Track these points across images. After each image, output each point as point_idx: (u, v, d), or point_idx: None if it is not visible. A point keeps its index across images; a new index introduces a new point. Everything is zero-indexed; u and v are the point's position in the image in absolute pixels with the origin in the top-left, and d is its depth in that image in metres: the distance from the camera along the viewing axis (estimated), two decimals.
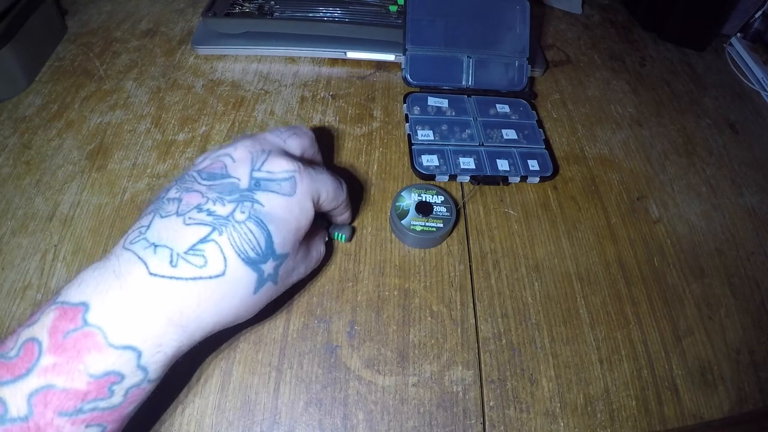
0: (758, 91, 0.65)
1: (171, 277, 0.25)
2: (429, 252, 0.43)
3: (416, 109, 0.54)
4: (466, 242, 0.44)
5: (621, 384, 0.38)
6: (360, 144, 0.51)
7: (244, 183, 0.28)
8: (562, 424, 0.35)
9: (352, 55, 0.59)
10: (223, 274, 0.26)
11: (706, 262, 0.46)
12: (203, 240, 0.26)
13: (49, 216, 0.43)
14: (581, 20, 0.74)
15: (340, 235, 0.42)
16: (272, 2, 0.61)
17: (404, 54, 0.55)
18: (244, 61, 0.59)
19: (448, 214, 0.43)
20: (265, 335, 0.37)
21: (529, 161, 0.50)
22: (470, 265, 0.43)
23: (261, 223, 0.27)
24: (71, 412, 0.22)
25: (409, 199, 0.44)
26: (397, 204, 0.43)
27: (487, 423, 0.35)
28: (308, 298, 0.40)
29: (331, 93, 0.56)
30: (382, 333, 0.38)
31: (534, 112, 0.56)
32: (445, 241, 0.44)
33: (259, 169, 0.28)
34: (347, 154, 0.50)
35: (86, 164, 0.47)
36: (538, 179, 0.49)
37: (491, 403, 0.36)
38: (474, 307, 0.40)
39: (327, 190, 0.31)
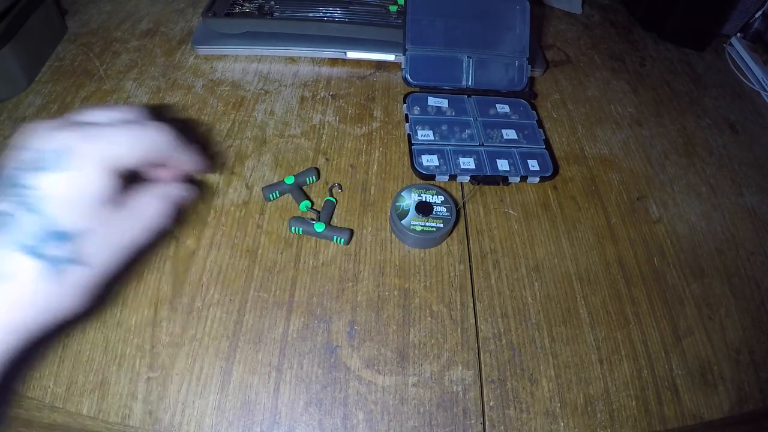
0: (758, 91, 0.65)
1: None
2: (429, 252, 0.43)
3: (416, 109, 0.54)
4: (466, 242, 0.44)
5: (621, 384, 0.38)
6: (360, 144, 0.51)
7: (10, 172, 0.25)
8: (562, 424, 0.35)
9: (352, 55, 0.59)
10: (6, 272, 0.23)
11: (706, 262, 0.46)
12: None
13: None
14: (581, 20, 0.74)
15: (338, 238, 0.42)
16: (272, 2, 0.61)
17: (404, 54, 0.55)
18: (244, 61, 0.59)
19: (448, 214, 0.43)
20: (265, 335, 0.38)
21: (529, 161, 0.50)
22: (470, 265, 0.43)
23: (30, 208, 0.24)
24: None
25: (409, 199, 0.44)
26: (397, 204, 0.43)
27: (487, 423, 0.35)
28: (308, 298, 0.40)
29: (331, 93, 0.56)
30: (382, 333, 0.38)
31: (534, 112, 0.56)
32: (445, 241, 0.44)
33: (23, 155, 0.25)
34: (347, 154, 0.50)
35: None
36: (538, 179, 0.49)
37: (491, 403, 0.36)
38: (474, 307, 0.40)
39: (124, 150, 0.27)
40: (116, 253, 0.28)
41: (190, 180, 0.35)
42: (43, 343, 0.33)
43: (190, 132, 0.50)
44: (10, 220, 0.24)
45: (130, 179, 0.29)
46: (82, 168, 0.25)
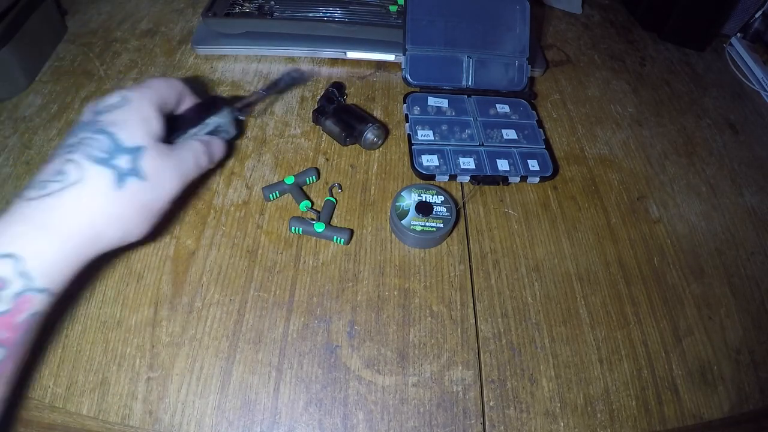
0: (758, 91, 0.65)
1: (41, 197, 0.29)
2: (429, 252, 0.43)
3: (416, 109, 0.54)
4: (466, 242, 0.44)
5: (621, 384, 0.38)
6: None
7: (88, 117, 0.33)
8: (562, 424, 0.35)
9: (352, 55, 0.59)
10: (81, 178, 0.30)
11: (706, 262, 0.46)
12: (63, 162, 0.30)
13: None
14: (581, 20, 0.74)
15: (338, 238, 0.42)
16: (272, 2, 0.61)
17: (404, 54, 0.55)
18: (244, 61, 0.59)
19: (448, 214, 0.43)
20: (265, 335, 0.38)
21: (529, 161, 0.50)
22: (470, 265, 0.43)
23: (103, 131, 0.31)
24: None
25: (409, 199, 0.44)
26: (397, 204, 0.43)
27: (487, 423, 0.35)
28: (308, 298, 0.40)
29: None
30: (382, 333, 0.38)
31: (534, 112, 0.56)
32: (445, 241, 0.44)
33: (98, 106, 0.33)
34: (347, 154, 0.50)
35: None
36: (538, 179, 0.49)
37: (491, 403, 0.36)
38: (474, 307, 0.40)
39: (162, 92, 0.36)
40: (170, 177, 0.34)
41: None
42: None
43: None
44: (87, 140, 0.31)
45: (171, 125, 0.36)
46: (135, 102, 0.33)
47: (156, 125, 0.34)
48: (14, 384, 0.29)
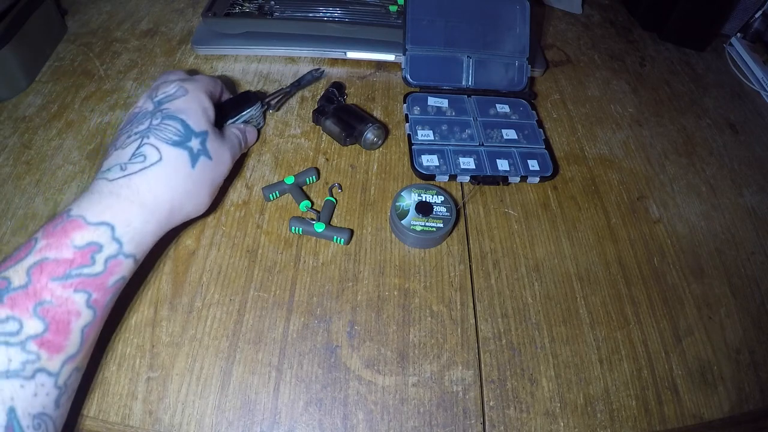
0: (758, 91, 0.65)
1: (124, 176, 0.33)
2: (429, 252, 0.43)
3: (416, 109, 0.54)
4: (466, 242, 0.44)
5: (621, 384, 0.38)
6: None
7: (150, 107, 0.37)
8: (562, 424, 0.35)
9: (352, 55, 0.59)
10: (161, 159, 0.34)
11: (706, 262, 0.46)
12: (139, 147, 0.34)
13: (49, 216, 0.43)
14: (581, 20, 0.74)
15: (338, 238, 0.42)
16: (272, 2, 0.61)
17: (404, 54, 0.55)
18: (244, 61, 0.59)
19: (448, 214, 0.43)
20: (265, 335, 0.38)
21: (529, 161, 0.50)
22: (470, 265, 0.43)
23: (173, 117, 0.36)
24: (61, 277, 0.28)
25: (409, 199, 0.44)
26: (397, 204, 0.43)
27: (487, 423, 0.35)
28: (308, 298, 0.40)
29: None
30: (382, 333, 0.38)
31: (534, 112, 0.56)
32: (445, 241, 0.44)
33: (156, 96, 0.38)
34: (347, 154, 0.50)
35: (86, 164, 0.47)
36: (538, 179, 0.49)
37: (491, 403, 0.36)
38: (474, 307, 0.40)
39: (210, 86, 0.42)
40: (227, 157, 0.40)
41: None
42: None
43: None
44: (160, 126, 0.35)
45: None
46: (193, 93, 0.38)
47: (212, 113, 0.39)
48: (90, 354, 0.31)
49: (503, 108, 0.55)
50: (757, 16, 0.70)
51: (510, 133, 0.52)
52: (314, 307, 0.39)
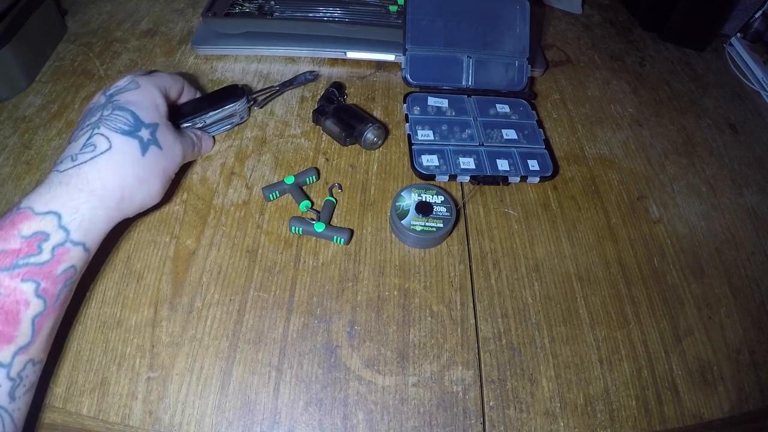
0: (758, 91, 0.65)
1: (74, 166, 0.33)
2: (429, 252, 0.43)
3: (416, 109, 0.54)
4: (466, 242, 0.44)
5: (621, 384, 0.38)
6: None
7: (102, 100, 0.38)
8: (562, 424, 0.35)
9: (352, 55, 0.59)
10: (110, 147, 0.34)
11: (706, 262, 0.46)
12: (90, 137, 0.35)
13: None
14: (581, 20, 0.74)
15: (338, 238, 0.42)
16: (272, 2, 0.61)
17: (404, 54, 0.55)
18: (244, 61, 0.59)
19: (448, 214, 0.43)
20: (265, 335, 0.38)
21: (529, 161, 0.50)
22: (470, 265, 0.43)
23: (123, 108, 0.36)
24: (8, 267, 0.29)
25: (409, 199, 0.44)
26: (397, 204, 0.43)
27: (487, 423, 0.35)
28: (308, 298, 0.40)
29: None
30: (382, 333, 0.38)
31: (534, 112, 0.56)
32: (445, 241, 0.44)
33: (109, 89, 0.38)
34: (347, 154, 0.50)
35: None
36: (538, 179, 0.49)
37: (491, 403, 0.36)
38: (474, 307, 0.40)
39: (166, 83, 0.42)
40: (178, 150, 0.40)
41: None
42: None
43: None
44: (111, 116, 0.36)
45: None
46: (145, 87, 0.39)
47: (163, 109, 0.40)
48: (49, 348, 0.32)
49: (503, 108, 0.55)
50: (757, 16, 0.70)
51: (510, 133, 0.52)
52: (314, 307, 0.39)
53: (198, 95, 0.48)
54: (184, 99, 0.46)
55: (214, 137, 0.49)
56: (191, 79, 0.55)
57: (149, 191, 0.37)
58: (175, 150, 0.40)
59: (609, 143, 0.55)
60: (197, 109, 0.46)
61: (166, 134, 0.38)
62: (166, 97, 0.41)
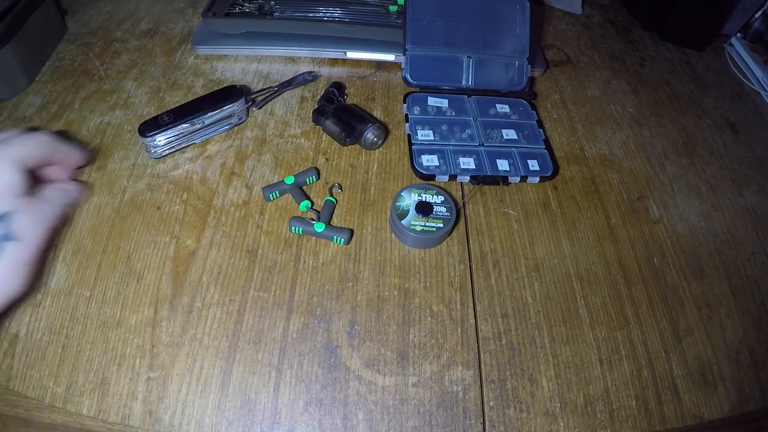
0: (758, 91, 0.65)
1: None
2: (429, 252, 0.43)
3: (416, 109, 0.54)
4: (466, 242, 0.44)
5: (621, 384, 0.38)
6: None
7: None
8: (562, 424, 0.35)
9: (352, 55, 0.59)
10: None
11: (706, 262, 0.46)
12: None
13: None
14: (581, 20, 0.74)
15: (338, 238, 0.42)
16: (272, 2, 0.61)
17: (404, 54, 0.55)
18: (244, 61, 0.59)
19: (448, 214, 0.43)
20: (265, 335, 0.38)
21: (529, 161, 0.50)
22: (470, 265, 0.43)
23: None
24: None
25: (409, 199, 0.44)
26: (397, 204, 0.43)
27: (487, 423, 0.35)
28: (308, 298, 0.40)
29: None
30: (382, 333, 0.38)
31: (534, 112, 0.56)
32: (445, 241, 0.44)
33: None
34: (347, 154, 0.50)
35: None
36: (538, 179, 0.49)
37: (491, 403, 0.36)
38: (474, 307, 0.40)
39: (24, 151, 0.35)
40: (40, 230, 0.34)
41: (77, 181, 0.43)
42: None
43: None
44: None
45: (35, 180, 0.36)
46: None
47: (19, 187, 0.33)
48: None
49: (503, 108, 0.55)
50: (757, 16, 0.70)
51: (510, 133, 0.52)
52: (314, 307, 0.39)
53: (86, 153, 0.43)
54: (64, 157, 0.40)
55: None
56: (66, 135, 0.48)
57: (9, 290, 0.32)
58: (33, 233, 0.33)
59: (609, 143, 0.55)
60: (196, 110, 0.46)
61: (21, 219, 0.32)
62: (26, 166, 0.34)
